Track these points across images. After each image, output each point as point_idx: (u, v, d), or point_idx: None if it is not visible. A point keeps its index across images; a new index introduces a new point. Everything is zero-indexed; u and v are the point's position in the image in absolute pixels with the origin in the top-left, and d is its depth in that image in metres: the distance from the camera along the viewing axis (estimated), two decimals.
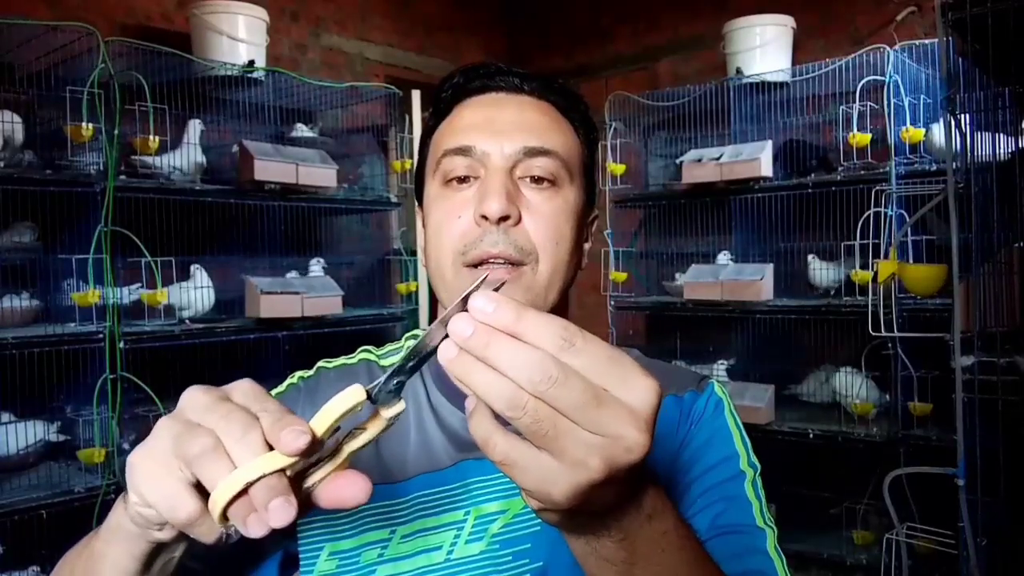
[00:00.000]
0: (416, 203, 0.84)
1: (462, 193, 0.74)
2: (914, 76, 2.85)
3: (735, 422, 0.79)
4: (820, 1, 3.42)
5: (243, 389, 0.49)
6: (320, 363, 0.85)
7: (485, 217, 0.70)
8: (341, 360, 0.86)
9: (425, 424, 0.78)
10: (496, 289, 0.45)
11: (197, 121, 2.77)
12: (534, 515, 0.72)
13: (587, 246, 0.83)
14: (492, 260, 0.71)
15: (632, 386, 0.43)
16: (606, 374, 0.42)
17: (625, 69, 4.23)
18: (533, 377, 0.41)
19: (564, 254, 0.74)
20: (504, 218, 0.71)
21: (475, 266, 0.72)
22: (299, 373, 0.84)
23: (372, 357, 0.85)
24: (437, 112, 0.80)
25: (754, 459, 0.76)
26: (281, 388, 0.82)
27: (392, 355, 0.86)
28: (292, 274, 3.09)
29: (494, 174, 0.72)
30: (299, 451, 0.43)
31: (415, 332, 0.90)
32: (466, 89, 0.78)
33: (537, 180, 0.74)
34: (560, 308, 0.76)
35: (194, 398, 0.49)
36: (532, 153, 0.73)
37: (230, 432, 0.45)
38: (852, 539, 2.85)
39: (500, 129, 0.74)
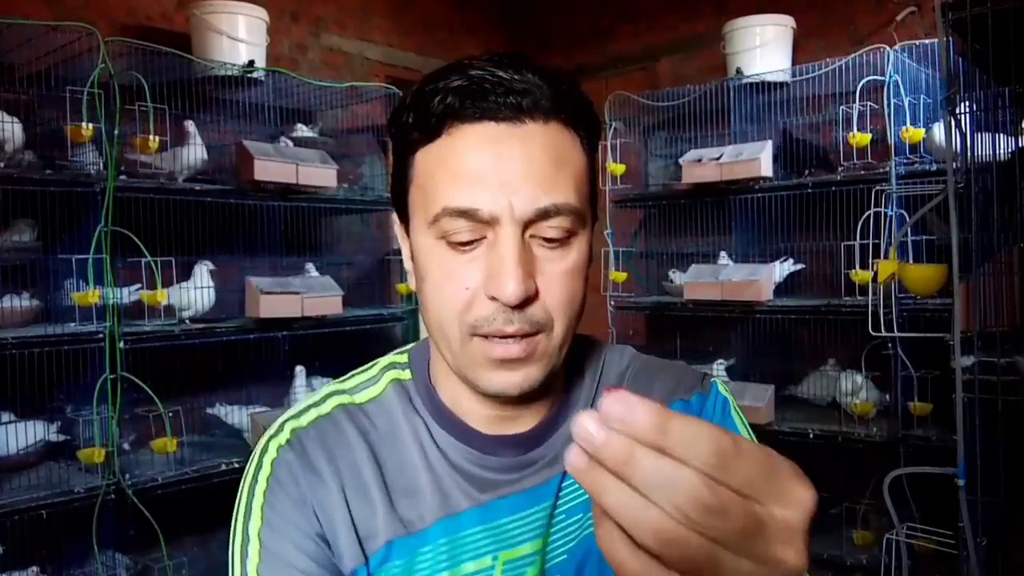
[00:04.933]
0: (397, 217, 0.74)
1: (466, 256, 0.65)
2: (914, 76, 2.85)
3: (742, 421, 0.79)
4: (820, 1, 3.42)
5: None
6: (289, 424, 0.74)
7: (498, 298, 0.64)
8: (312, 413, 0.75)
9: (435, 467, 0.73)
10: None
11: (190, 122, 2.77)
12: (557, 546, 0.72)
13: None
14: (507, 336, 0.65)
15: (790, 500, 0.38)
16: (763, 489, 0.37)
17: (625, 69, 4.23)
18: (685, 506, 0.35)
19: (578, 308, 0.69)
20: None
21: (485, 337, 0.66)
22: (273, 443, 0.73)
23: (345, 400, 0.76)
24: (422, 124, 0.67)
25: None
26: (266, 470, 0.71)
27: (366, 387, 0.77)
28: (296, 278, 3.09)
29: (507, 247, 0.63)
30: None
31: (392, 360, 0.80)
32: (459, 114, 0.65)
33: (549, 239, 0.66)
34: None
35: None
36: (544, 214, 0.64)
37: None
38: (852, 539, 2.85)
39: (507, 183, 0.63)
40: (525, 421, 0.74)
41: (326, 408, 0.75)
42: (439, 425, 0.74)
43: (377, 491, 0.71)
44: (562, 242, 0.67)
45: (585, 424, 0.36)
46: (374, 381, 0.78)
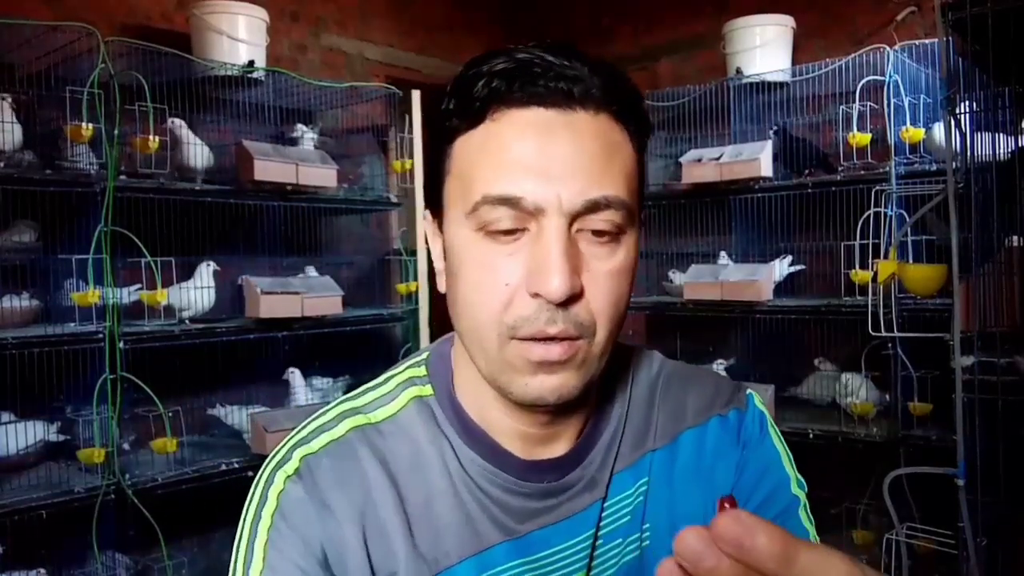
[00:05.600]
0: (429, 212, 0.69)
1: (507, 248, 0.60)
2: (914, 76, 2.85)
3: (779, 439, 0.76)
4: (820, 1, 3.42)
5: None
6: (299, 450, 0.66)
7: (541, 294, 0.59)
8: (324, 437, 0.67)
9: (462, 496, 0.66)
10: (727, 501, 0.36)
11: (179, 122, 2.73)
12: (598, 574, 0.69)
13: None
14: (548, 339, 0.60)
15: None
16: None
17: (625, 69, 4.20)
18: None
19: (622, 313, 0.64)
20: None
21: (524, 340, 0.60)
22: (279, 474, 0.65)
23: (360, 420, 0.69)
24: (464, 110, 0.62)
25: (801, 478, 0.74)
26: (271, 504, 0.64)
27: (383, 405, 0.70)
28: (296, 278, 3.09)
29: (551, 238, 0.59)
30: None
31: (410, 374, 0.73)
32: (505, 98, 0.61)
33: (598, 233, 0.61)
34: None
35: None
36: (594, 207, 0.60)
37: None
38: (852, 539, 2.85)
39: (554, 172, 0.59)
40: (560, 442, 0.69)
41: (339, 431, 0.68)
42: (467, 445, 0.67)
43: (398, 527, 0.64)
44: (611, 238, 0.62)
45: (692, 543, 0.33)
46: (391, 398, 0.70)
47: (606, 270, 0.61)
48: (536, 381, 0.61)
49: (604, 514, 0.69)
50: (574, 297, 0.59)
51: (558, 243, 0.58)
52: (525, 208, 0.59)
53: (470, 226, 0.61)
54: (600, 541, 0.69)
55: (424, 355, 0.74)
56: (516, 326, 0.60)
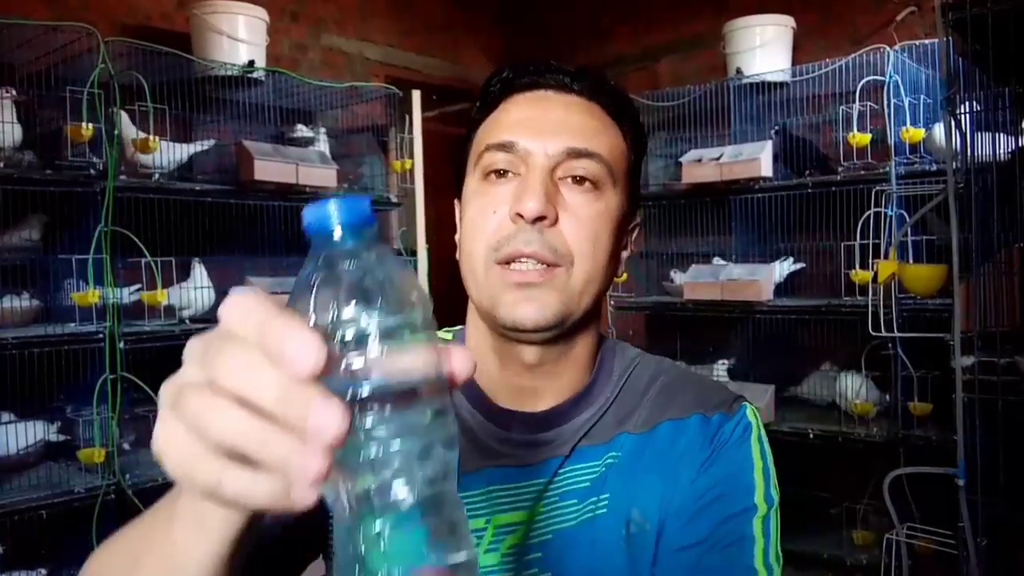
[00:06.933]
0: (456, 199, 0.82)
1: (499, 188, 0.73)
2: (914, 76, 2.85)
3: (760, 450, 0.76)
4: (820, 1, 3.42)
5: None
6: None
7: (521, 215, 0.69)
8: None
9: None
10: None
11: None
12: (544, 523, 0.74)
13: (625, 255, 0.80)
14: (524, 259, 0.70)
15: None
16: None
17: (625, 69, 4.23)
18: None
19: (601, 259, 0.73)
20: (540, 218, 0.69)
21: (506, 263, 0.70)
22: None
23: None
24: (484, 105, 0.78)
25: (772, 492, 0.74)
26: None
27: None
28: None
29: (534, 172, 0.71)
30: None
31: (440, 335, 0.83)
32: (514, 85, 0.76)
33: (578, 181, 0.72)
34: (593, 314, 0.76)
35: None
36: (575, 154, 0.72)
37: None
38: (852, 539, 2.85)
39: (545, 128, 0.73)
40: (542, 399, 0.76)
41: None
42: (460, 392, 0.75)
43: None
44: (591, 187, 0.73)
45: None
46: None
47: (584, 211, 0.72)
48: (516, 304, 0.70)
49: (562, 474, 0.75)
50: (549, 222, 0.70)
51: (537, 174, 0.71)
52: (517, 152, 0.72)
53: (476, 176, 0.75)
54: (551, 495, 0.74)
55: (457, 328, 0.86)
56: (498, 247, 0.70)
